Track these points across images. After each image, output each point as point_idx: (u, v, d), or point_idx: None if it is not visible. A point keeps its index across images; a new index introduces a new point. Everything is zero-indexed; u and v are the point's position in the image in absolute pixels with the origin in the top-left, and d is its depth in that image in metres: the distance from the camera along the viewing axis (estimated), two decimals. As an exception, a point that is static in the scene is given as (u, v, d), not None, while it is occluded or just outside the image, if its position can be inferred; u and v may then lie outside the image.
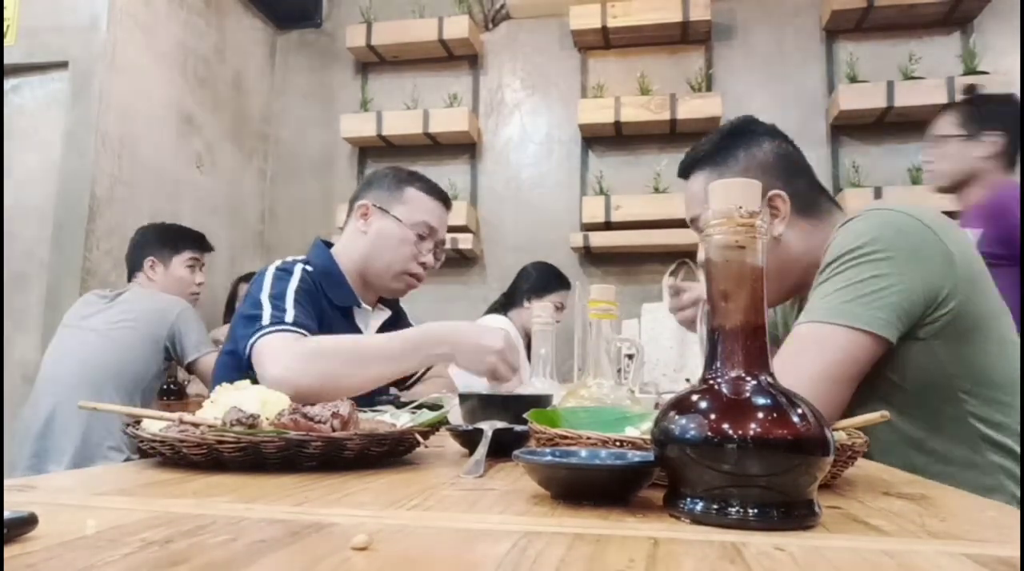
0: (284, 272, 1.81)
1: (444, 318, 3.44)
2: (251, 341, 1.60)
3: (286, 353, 1.55)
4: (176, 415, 0.98)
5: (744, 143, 1.55)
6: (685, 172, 1.64)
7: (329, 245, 2.02)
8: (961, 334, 1.31)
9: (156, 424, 0.99)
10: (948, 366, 1.32)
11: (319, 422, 0.96)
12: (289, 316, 1.65)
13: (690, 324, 1.77)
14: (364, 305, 1.96)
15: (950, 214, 1.58)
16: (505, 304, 3.76)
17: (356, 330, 1.94)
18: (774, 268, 1.50)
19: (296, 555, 0.50)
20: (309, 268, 1.88)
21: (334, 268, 1.93)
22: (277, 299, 1.70)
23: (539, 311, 1.61)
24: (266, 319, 1.65)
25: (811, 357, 1.29)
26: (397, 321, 2.09)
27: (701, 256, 1.61)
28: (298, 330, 1.64)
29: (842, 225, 1.41)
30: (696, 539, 0.57)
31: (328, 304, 1.87)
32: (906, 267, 1.29)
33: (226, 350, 1.82)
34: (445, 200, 2.08)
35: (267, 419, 0.97)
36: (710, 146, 1.58)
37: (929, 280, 1.30)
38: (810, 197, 1.54)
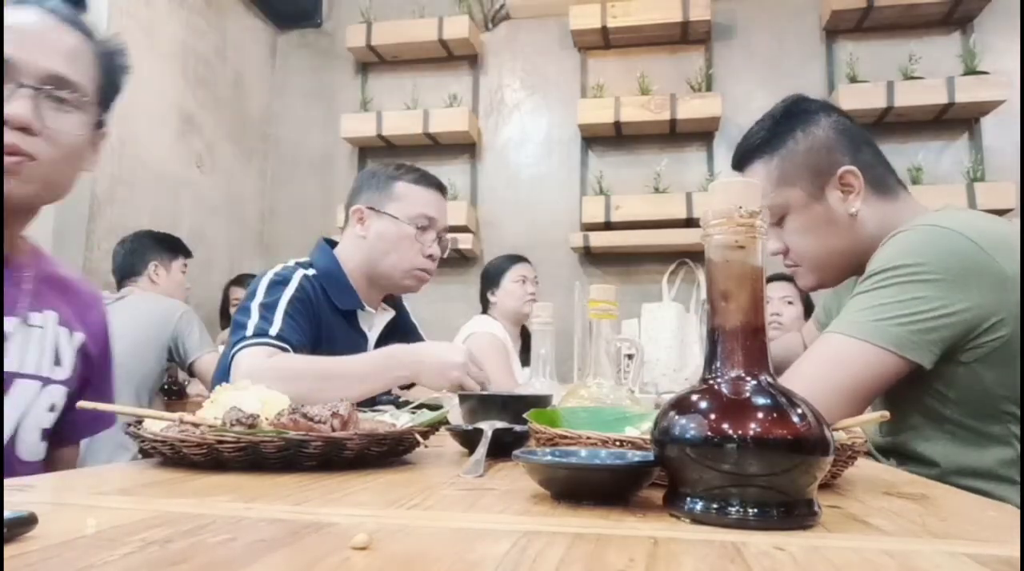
0: (281, 281, 1.79)
1: (444, 318, 3.45)
2: (233, 350, 1.61)
3: (258, 369, 1.54)
4: (176, 415, 0.98)
5: (800, 123, 1.50)
6: (740, 163, 1.58)
7: (333, 244, 2.01)
8: (1010, 359, 1.27)
9: (157, 424, 0.99)
10: (993, 388, 1.29)
11: (319, 422, 0.96)
12: (274, 329, 1.65)
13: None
14: (368, 308, 1.95)
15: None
16: (484, 307, 3.76)
17: (359, 333, 1.93)
18: (850, 246, 1.47)
19: (296, 554, 0.50)
20: (311, 272, 1.87)
21: (338, 271, 1.91)
22: (267, 309, 1.70)
23: (539, 311, 1.61)
24: (250, 329, 1.65)
25: (833, 369, 1.26)
26: (400, 321, 2.09)
27: (775, 246, 1.55)
28: (278, 344, 1.63)
29: (892, 236, 1.37)
30: (696, 539, 0.57)
31: (330, 308, 1.85)
32: (951, 292, 1.25)
33: (224, 354, 1.83)
34: (439, 186, 2.04)
35: (266, 419, 0.97)
36: (765, 132, 1.52)
37: (977, 306, 1.25)
38: (879, 170, 1.49)
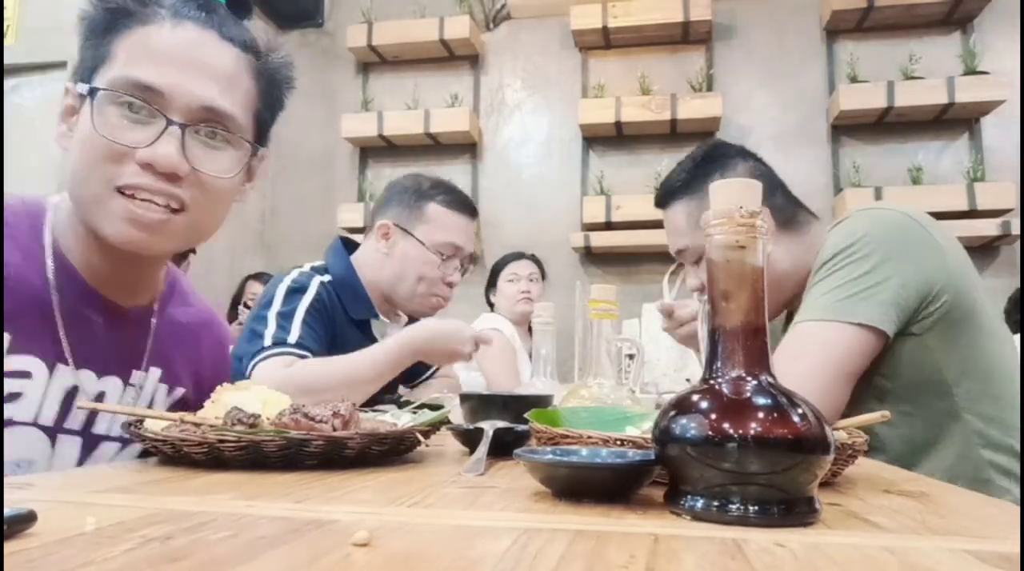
0: (298, 289, 1.77)
1: (444, 317, 3.45)
2: (253, 361, 1.61)
3: (280, 380, 1.51)
4: (178, 415, 0.98)
5: (718, 167, 1.56)
6: (662, 202, 1.67)
7: (347, 244, 1.99)
8: (952, 327, 1.32)
9: (158, 423, 0.99)
10: (940, 360, 1.33)
11: (320, 421, 0.96)
12: (293, 337, 1.65)
13: (690, 340, 1.73)
14: (382, 318, 1.93)
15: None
16: (491, 306, 3.77)
17: (372, 342, 1.91)
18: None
19: (297, 551, 0.50)
20: (327, 278, 1.85)
21: (355, 280, 1.89)
22: (284, 318, 1.69)
23: (540, 310, 1.61)
24: (268, 339, 1.65)
25: (813, 355, 1.29)
26: None
27: (693, 283, 1.64)
28: (298, 352, 1.63)
29: (832, 227, 1.43)
30: (697, 535, 0.57)
31: (345, 317, 1.84)
32: (900, 262, 1.31)
33: (234, 355, 1.82)
34: (471, 211, 2.00)
35: (267, 419, 0.97)
36: (685, 174, 1.59)
37: (923, 274, 1.31)
38: (789, 211, 1.54)
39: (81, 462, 1.07)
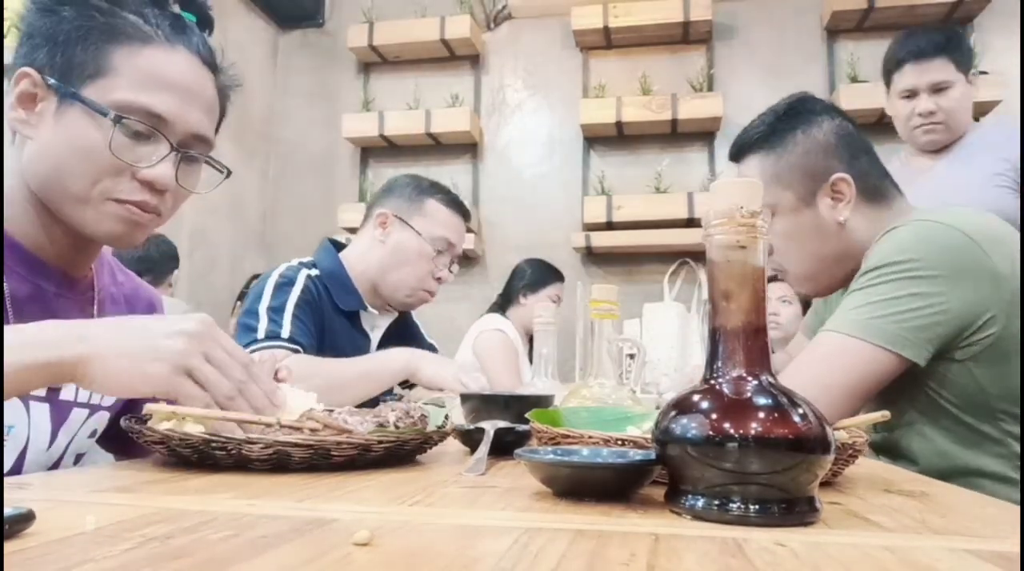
0: (286, 282, 1.80)
1: (446, 318, 3.44)
2: None
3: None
4: (273, 418, 0.92)
5: (803, 123, 1.49)
6: (737, 155, 1.56)
7: (337, 246, 2.02)
8: (1002, 357, 1.27)
9: (165, 423, 0.96)
10: (988, 387, 1.29)
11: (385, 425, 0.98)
12: (285, 331, 1.67)
13: None
14: (371, 309, 1.95)
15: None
16: (502, 304, 3.76)
17: (362, 334, 1.94)
18: (836, 254, 1.46)
19: (298, 550, 0.50)
20: (315, 272, 1.87)
21: (342, 272, 1.92)
22: (275, 312, 1.71)
23: (541, 311, 1.61)
24: (261, 332, 1.66)
25: (830, 368, 1.27)
26: (404, 323, 2.09)
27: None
28: (291, 346, 1.65)
29: (886, 232, 1.37)
30: (697, 535, 0.57)
31: (333, 309, 1.86)
32: (947, 288, 1.25)
33: None
34: (465, 213, 2.07)
35: (279, 420, 0.95)
36: (765, 127, 1.51)
37: (971, 303, 1.26)
38: (874, 179, 1.48)
39: (54, 430, 1.09)
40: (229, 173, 1.19)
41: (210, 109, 1.12)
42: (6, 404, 1.01)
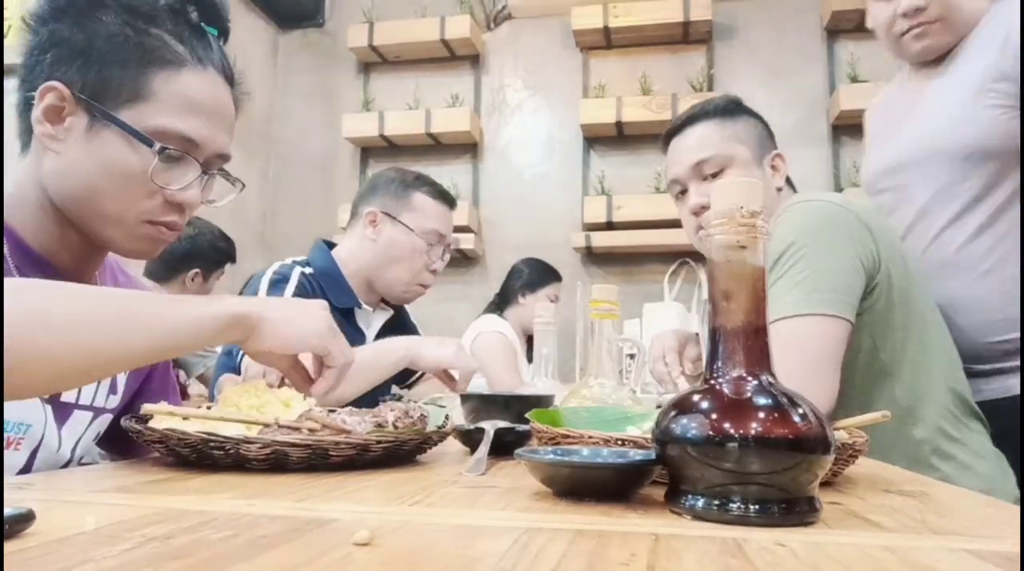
0: (280, 280, 1.81)
1: (446, 318, 3.45)
2: (242, 352, 1.62)
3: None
4: (271, 418, 0.94)
5: (747, 111, 1.64)
6: (683, 126, 1.63)
7: (330, 246, 2.03)
8: (888, 308, 1.39)
9: (164, 422, 0.96)
10: (876, 341, 1.40)
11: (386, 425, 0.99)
12: None
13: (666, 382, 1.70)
14: (365, 306, 1.96)
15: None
16: (500, 304, 3.76)
17: (357, 331, 1.94)
18: (769, 214, 1.56)
19: (298, 551, 0.50)
20: (308, 270, 1.88)
21: (336, 271, 1.93)
22: None
23: (541, 311, 1.62)
24: None
25: (796, 350, 1.30)
26: (400, 320, 2.10)
27: (698, 201, 1.59)
28: None
29: (779, 219, 1.46)
30: (697, 535, 0.57)
31: (328, 306, 1.87)
32: (841, 251, 1.36)
33: (223, 351, 1.84)
34: (451, 203, 2.09)
35: (277, 420, 0.95)
36: (715, 105, 1.63)
37: (862, 257, 1.37)
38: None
39: (60, 430, 1.09)
40: (243, 186, 1.21)
41: (231, 126, 1.14)
42: (24, 402, 1.02)
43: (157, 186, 1.03)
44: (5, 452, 1.00)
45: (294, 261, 1.91)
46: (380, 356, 1.69)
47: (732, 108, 1.62)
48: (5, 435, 0.99)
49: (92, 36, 1.01)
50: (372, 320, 2.02)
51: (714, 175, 1.57)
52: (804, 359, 1.29)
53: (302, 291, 1.80)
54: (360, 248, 1.99)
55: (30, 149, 1.06)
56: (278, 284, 1.79)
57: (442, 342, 1.71)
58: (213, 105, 1.08)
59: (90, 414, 1.14)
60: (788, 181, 1.65)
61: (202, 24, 1.10)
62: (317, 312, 1.07)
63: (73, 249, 1.08)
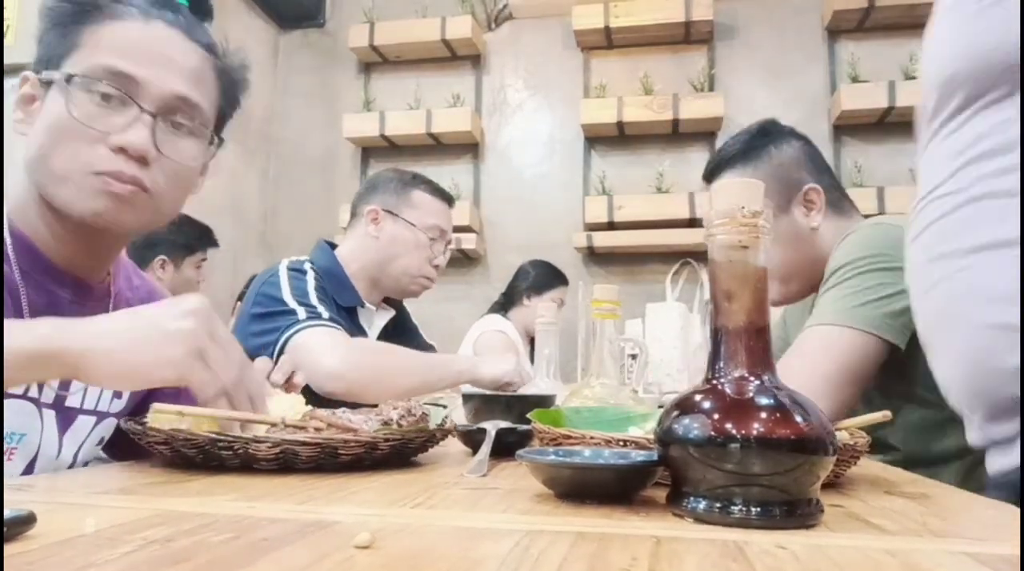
0: (298, 272, 1.83)
1: (447, 318, 3.45)
2: (290, 333, 1.63)
3: (340, 346, 1.62)
4: (277, 417, 0.93)
5: (774, 140, 1.60)
6: (713, 173, 1.65)
7: (332, 246, 2.03)
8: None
9: (166, 422, 0.96)
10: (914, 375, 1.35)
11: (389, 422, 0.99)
12: (325, 313, 1.69)
13: None
14: (368, 305, 1.97)
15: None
16: (504, 304, 3.76)
17: (360, 329, 1.95)
18: (809, 260, 1.55)
19: (299, 553, 0.50)
20: (315, 268, 1.90)
21: (338, 270, 1.95)
22: (303, 297, 1.74)
23: (543, 311, 1.61)
24: (303, 314, 1.67)
25: (821, 358, 1.30)
26: (401, 321, 2.11)
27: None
28: (337, 327, 1.67)
29: (843, 238, 1.45)
30: (699, 538, 0.57)
31: (332, 304, 1.88)
32: (902, 275, 1.31)
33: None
34: (450, 200, 2.14)
35: (283, 419, 0.94)
36: (740, 145, 1.60)
37: None
38: (837, 192, 1.59)
39: (60, 437, 1.08)
40: (221, 142, 1.16)
41: (195, 78, 1.07)
42: (19, 411, 1.01)
43: (93, 130, 0.98)
44: (5, 462, 0.99)
45: (300, 259, 1.92)
46: (447, 364, 1.78)
47: (756, 146, 1.59)
48: None
49: (47, 18, 1.03)
50: (375, 319, 2.03)
51: None
52: (821, 368, 1.29)
53: (319, 284, 1.82)
54: (363, 246, 2.00)
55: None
56: (297, 274, 1.81)
57: (499, 362, 1.79)
58: (153, 47, 1.03)
59: (93, 419, 1.13)
60: (831, 177, 1.62)
61: None
62: (176, 326, 0.85)
63: (70, 244, 1.06)
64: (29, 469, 1.04)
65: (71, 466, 1.11)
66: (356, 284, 1.95)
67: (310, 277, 1.82)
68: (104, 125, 0.99)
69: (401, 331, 2.08)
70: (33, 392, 1.03)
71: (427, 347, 2.10)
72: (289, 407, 1.01)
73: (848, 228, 1.50)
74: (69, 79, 0.98)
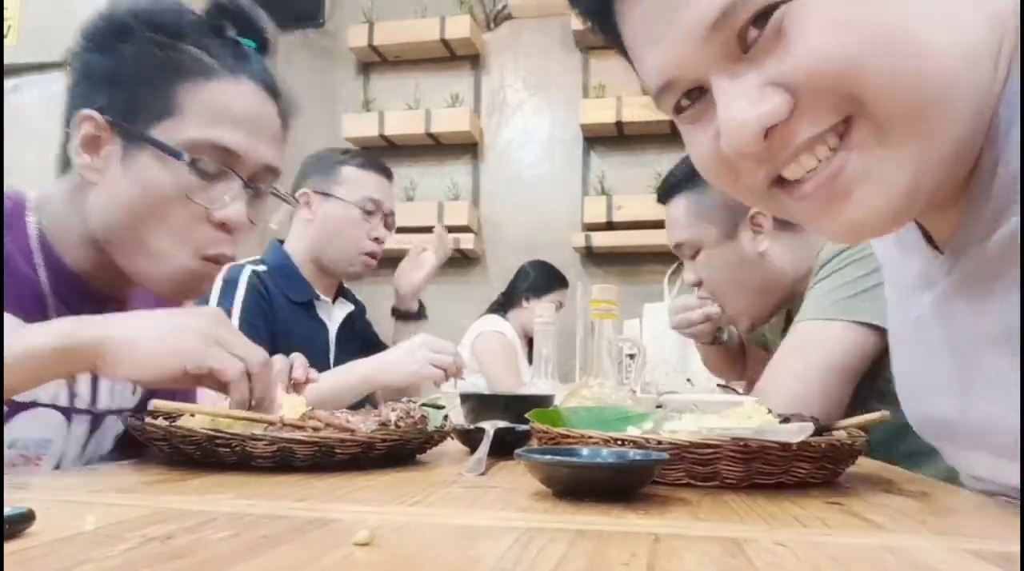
0: (231, 283, 1.80)
1: (445, 317, 3.44)
2: None
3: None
4: (276, 416, 0.93)
5: None
6: (664, 197, 1.70)
7: (283, 243, 2.03)
8: None
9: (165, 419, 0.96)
10: None
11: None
12: None
13: (703, 336, 1.77)
14: (323, 297, 1.97)
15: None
16: (504, 304, 3.76)
17: (318, 323, 1.95)
18: (761, 284, 1.56)
19: (298, 550, 0.50)
20: (261, 268, 1.89)
21: (287, 264, 1.95)
22: None
23: (541, 311, 1.62)
24: None
25: (814, 352, 1.30)
26: (360, 315, 2.11)
27: (690, 277, 1.68)
28: None
29: (824, 254, 1.42)
30: (698, 535, 0.57)
31: (286, 300, 1.87)
32: None
33: None
34: (385, 171, 2.07)
35: (282, 418, 0.95)
36: (686, 168, 1.58)
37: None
38: None
39: (88, 438, 1.08)
40: (298, 203, 1.15)
41: (277, 139, 1.07)
42: (46, 421, 1.01)
43: (196, 205, 0.97)
44: (25, 468, 0.99)
45: (247, 261, 1.91)
46: (340, 375, 1.72)
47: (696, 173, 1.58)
48: (24, 453, 0.99)
49: (119, 60, 0.99)
50: (333, 312, 2.03)
51: (692, 257, 1.63)
52: (812, 365, 1.28)
53: (253, 292, 1.79)
54: (301, 233, 1.99)
55: (67, 175, 1.03)
56: (227, 291, 1.78)
57: (406, 359, 1.71)
58: (248, 114, 1.02)
59: (116, 417, 1.13)
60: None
61: (238, 37, 1.06)
62: (190, 322, 0.90)
63: (112, 272, 1.04)
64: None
65: (90, 462, 1.12)
66: (306, 274, 1.95)
67: (240, 290, 1.79)
68: (205, 199, 0.98)
69: (359, 325, 2.08)
70: (63, 400, 1.02)
71: (380, 345, 2.07)
72: (291, 407, 1.00)
73: (806, 245, 1.49)
74: (177, 155, 0.96)
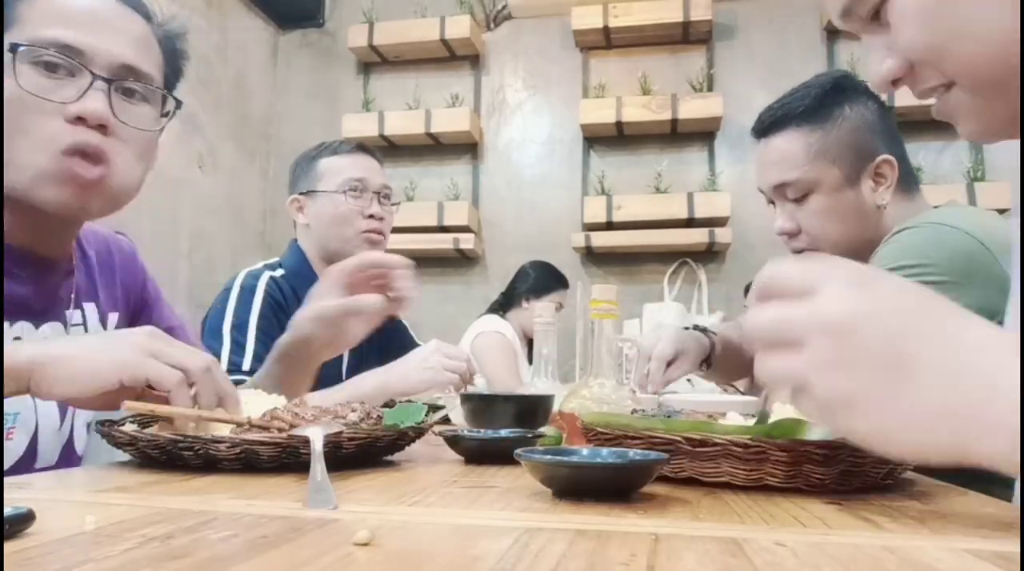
0: (248, 290, 1.80)
1: (445, 317, 3.45)
2: None
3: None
4: (243, 418, 0.93)
5: (849, 100, 1.45)
6: (770, 128, 1.50)
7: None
8: None
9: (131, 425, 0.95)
10: None
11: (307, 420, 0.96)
12: (247, 360, 1.66)
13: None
14: None
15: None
16: (503, 304, 3.76)
17: None
18: (867, 242, 1.42)
19: (298, 550, 0.50)
20: (279, 273, 1.88)
21: (307, 268, 1.94)
22: (238, 331, 1.71)
23: (541, 311, 1.61)
24: (224, 362, 1.64)
25: None
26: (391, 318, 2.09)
27: (787, 225, 1.48)
28: (247, 378, 1.61)
29: (897, 232, 1.34)
30: (697, 534, 0.57)
31: (279, 330, 1.87)
32: (958, 293, 1.19)
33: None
34: (360, 150, 2.05)
35: (250, 419, 0.94)
36: (811, 100, 1.45)
37: (980, 309, 1.21)
38: (907, 166, 1.44)
39: (62, 412, 1.09)
40: (179, 103, 1.14)
41: (140, 45, 1.06)
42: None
43: (48, 103, 0.96)
44: (5, 443, 1.00)
45: (264, 265, 1.91)
46: (345, 391, 1.68)
47: (829, 104, 1.43)
48: None
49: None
50: None
51: (797, 200, 1.44)
52: None
53: (270, 300, 1.78)
54: (305, 237, 2.00)
55: None
56: (246, 299, 1.78)
57: (418, 368, 1.67)
58: (97, 17, 1.02)
59: None
60: (909, 175, 1.46)
61: None
62: (124, 338, 0.90)
63: (38, 231, 1.04)
64: (34, 442, 1.05)
65: (71, 434, 1.12)
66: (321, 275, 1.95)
67: (258, 297, 1.78)
68: (57, 96, 0.97)
69: (389, 326, 2.06)
70: None
71: (412, 345, 2.05)
72: (270, 408, 1.00)
73: (911, 213, 1.37)
74: (13, 49, 0.95)
